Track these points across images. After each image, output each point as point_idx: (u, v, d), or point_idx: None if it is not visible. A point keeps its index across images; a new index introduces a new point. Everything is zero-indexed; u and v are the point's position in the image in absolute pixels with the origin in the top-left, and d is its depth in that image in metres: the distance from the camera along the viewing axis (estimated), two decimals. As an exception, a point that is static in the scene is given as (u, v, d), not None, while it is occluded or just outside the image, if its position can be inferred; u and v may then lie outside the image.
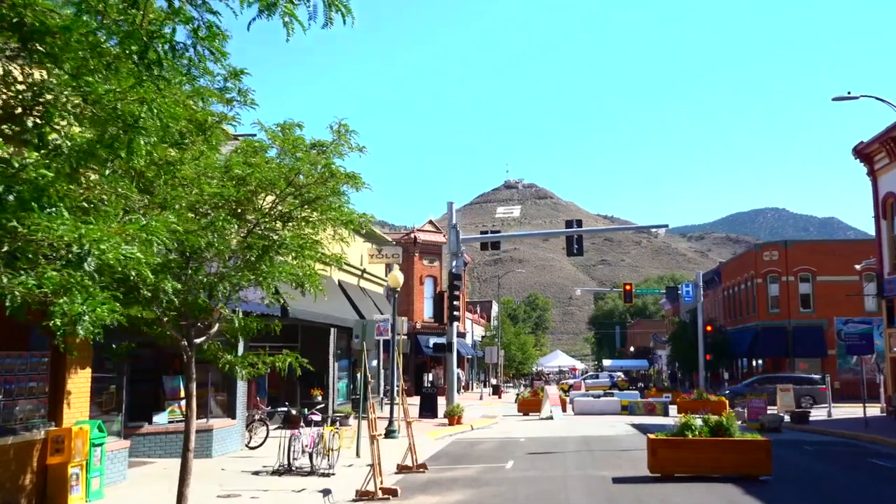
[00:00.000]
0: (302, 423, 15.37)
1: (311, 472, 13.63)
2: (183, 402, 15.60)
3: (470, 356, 62.57)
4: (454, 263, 30.08)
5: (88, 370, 11.33)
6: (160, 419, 15.10)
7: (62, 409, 10.76)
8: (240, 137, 10.93)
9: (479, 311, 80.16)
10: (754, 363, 52.32)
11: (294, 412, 18.99)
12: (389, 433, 20.65)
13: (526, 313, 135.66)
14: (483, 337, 71.03)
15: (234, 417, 16.94)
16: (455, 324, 28.99)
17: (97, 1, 5.36)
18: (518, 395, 39.84)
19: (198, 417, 15.82)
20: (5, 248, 5.24)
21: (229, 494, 11.56)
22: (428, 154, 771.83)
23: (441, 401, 29.28)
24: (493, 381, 60.63)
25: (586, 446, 19.69)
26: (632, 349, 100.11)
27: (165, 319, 8.57)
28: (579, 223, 32.79)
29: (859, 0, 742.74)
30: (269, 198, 9.67)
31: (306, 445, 14.08)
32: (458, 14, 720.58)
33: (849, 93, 22.16)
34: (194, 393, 9.23)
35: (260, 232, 9.22)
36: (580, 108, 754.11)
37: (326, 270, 15.65)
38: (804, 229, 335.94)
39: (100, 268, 5.35)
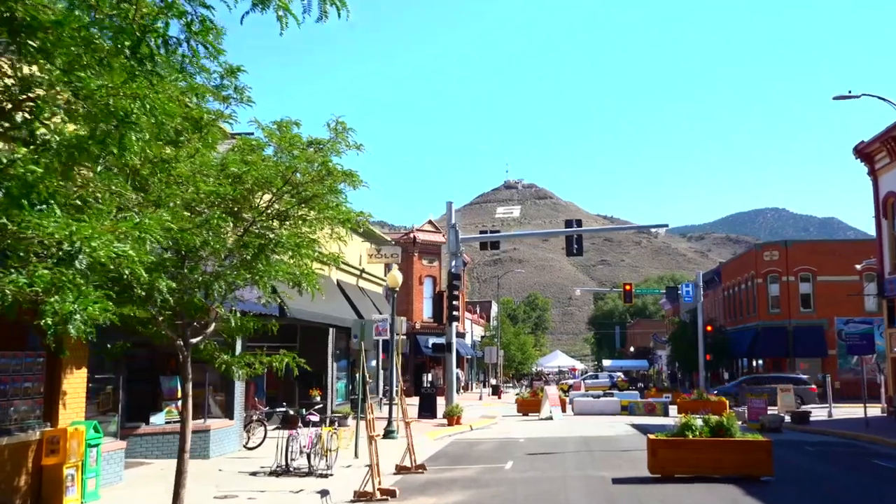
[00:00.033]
0: (300, 424, 15.28)
1: (309, 473, 13.54)
2: (180, 403, 15.55)
3: (469, 356, 62.49)
4: (453, 263, 29.99)
5: (84, 370, 11.24)
6: (157, 419, 15.01)
7: (58, 409, 10.68)
8: (237, 136, 10.86)
9: (478, 312, 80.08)
10: (754, 363, 52.24)
11: (292, 412, 18.90)
12: (388, 433, 20.57)
13: (525, 313, 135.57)
14: (483, 337, 70.95)
15: (231, 418, 16.84)
16: (454, 324, 28.89)
17: (89, -5, 5.28)
18: (518, 395, 39.75)
19: (195, 418, 15.80)
20: (-4, 246, 5.16)
21: (226, 495, 11.47)
22: (428, 154, 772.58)
23: (440, 401, 29.19)
24: (493, 382, 60.53)
25: (586, 447, 19.61)
26: (631, 349, 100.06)
27: (161, 319, 8.48)
28: (579, 223, 32.68)
29: (859, 0, 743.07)
30: (266, 196, 9.59)
31: (304, 446, 14.00)
32: (458, 14, 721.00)
33: (849, 92, 22.08)
34: (190, 393, 9.15)
35: (256, 231, 9.14)
36: (580, 108, 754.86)
37: (324, 270, 15.58)
38: (804, 229, 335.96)
39: (91, 266, 5.26)
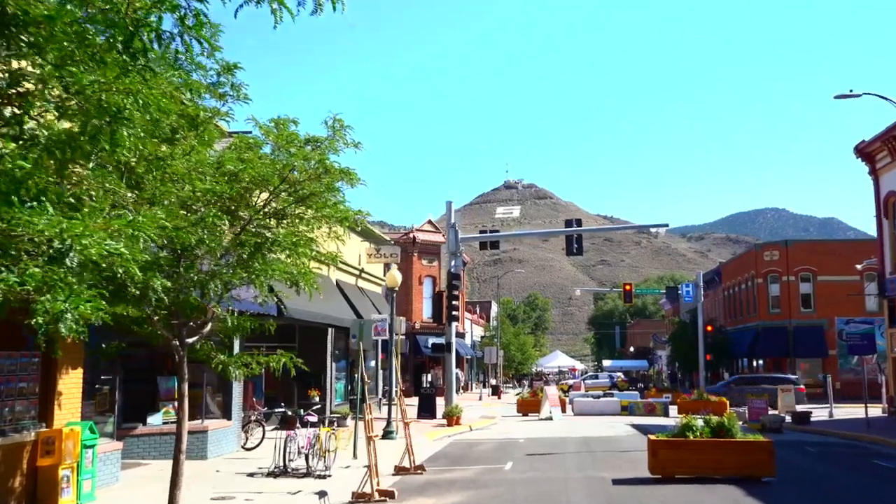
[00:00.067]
0: (298, 425, 15.19)
1: (307, 474, 13.45)
2: (186, 402, 15.43)
3: (469, 356, 62.40)
4: (453, 263, 29.89)
5: (80, 370, 11.14)
6: (154, 420, 14.91)
7: (53, 410, 10.59)
8: (235, 135, 10.77)
9: (478, 312, 80.00)
10: (755, 363, 52.15)
11: (290, 413, 18.80)
12: (387, 434, 20.47)
13: (525, 313, 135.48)
14: (482, 337, 70.87)
15: (229, 418, 16.75)
16: (454, 324, 28.80)
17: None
18: (518, 395, 39.66)
19: (193, 418, 15.73)
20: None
21: (223, 497, 11.38)
22: (428, 154, 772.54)
23: (440, 401, 29.10)
24: (493, 382, 60.44)
25: (586, 447, 19.52)
26: (631, 349, 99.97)
27: (156, 318, 8.38)
28: (579, 223, 32.58)
29: (859, 0, 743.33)
30: (263, 195, 9.49)
31: (302, 447, 13.91)
32: (458, 14, 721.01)
33: (851, 90, 22.00)
34: (186, 394, 9.05)
35: (253, 229, 9.04)
36: (580, 108, 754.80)
37: (321, 269, 15.47)
38: (804, 229, 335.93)
39: (83, 264, 5.16)
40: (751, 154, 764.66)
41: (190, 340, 9.16)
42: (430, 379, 45.30)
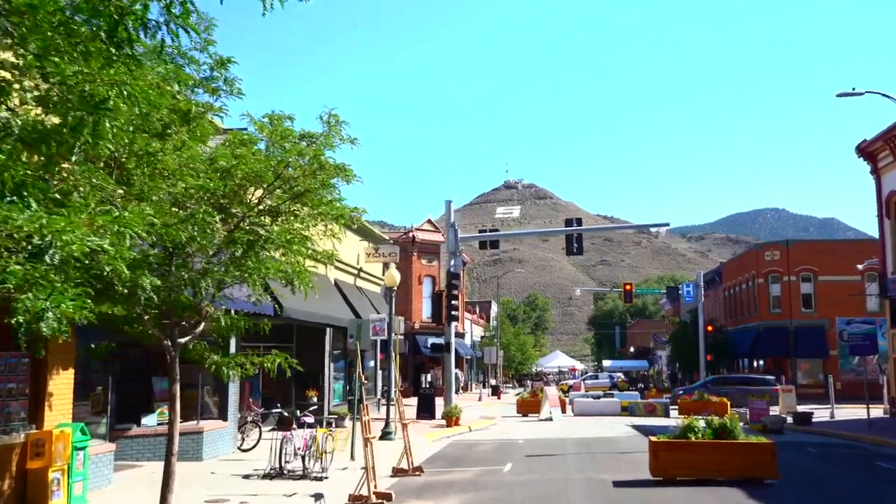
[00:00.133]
0: (294, 425, 15.00)
1: (304, 476, 13.25)
2: (178, 403, 15.23)
3: (469, 356, 62.19)
4: (452, 262, 29.71)
5: (71, 371, 10.95)
6: (149, 421, 14.71)
7: (43, 411, 10.39)
8: (230, 131, 10.58)
9: (478, 312, 79.80)
10: (755, 363, 51.96)
11: (286, 414, 18.61)
12: (385, 435, 20.28)
13: (525, 313, 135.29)
14: (482, 337, 70.68)
15: (225, 419, 16.55)
16: (453, 324, 28.60)
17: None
18: (517, 395, 39.46)
19: (188, 419, 15.56)
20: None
21: (217, 499, 11.18)
22: (428, 154, 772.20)
23: (439, 402, 28.90)
24: (493, 382, 60.25)
25: (586, 448, 19.34)
26: (632, 349, 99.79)
27: (146, 318, 8.19)
28: (579, 222, 32.38)
29: (859, 0, 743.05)
30: (258, 192, 9.31)
31: (299, 448, 13.72)
32: (458, 14, 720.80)
33: (853, 89, 21.83)
34: (178, 395, 8.85)
35: (246, 227, 8.85)
36: (580, 108, 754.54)
37: (317, 268, 15.27)
38: (804, 230, 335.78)
39: (65, 261, 4.96)
40: (751, 154, 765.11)
41: (182, 340, 8.97)
42: (429, 379, 45.08)
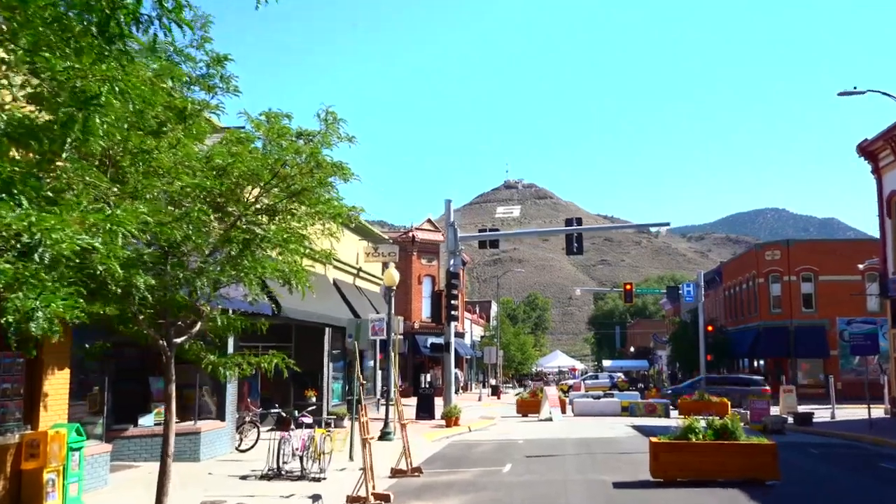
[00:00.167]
0: (292, 426, 14.90)
1: (302, 477, 13.17)
2: (173, 404, 15.12)
3: (469, 356, 62.10)
4: (452, 262, 29.61)
5: (66, 371, 10.85)
6: (146, 421, 14.62)
7: (38, 411, 10.29)
8: (228, 130, 10.49)
9: (478, 311, 79.71)
10: (756, 363, 51.87)
11: (284, 414, 18.52)
12: (384, 435, 20.18)
13: (525, 313, 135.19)
14: (482, 337, 70.58)
15: (223, 419, 16.45)
16: (453, 323, 28.49)
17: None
18: (517, 395, 39.37)
19: (186, 419, 15.46)
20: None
21: (213, 500, 11.08)
22: (428, 154, 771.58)
23: (438, 402, 28.79)
24: (492, 382, 60.15)
25: (586, 449, 19.25)
26: (632, 349, 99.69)
27: (141, 317, 8.09)
28: (579, 221, 32.29)
29: (859, 0, 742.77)
30: (255, 191, 9.22)
31: (297, 449, 13.63)
32: (458, 14, 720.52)
33: (855, 88, 21.75)
34: (173, 395, 8.76)
35: (243, 226, 8.75)
36: (580, 108, 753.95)
37: (314, 267, 15.17)
38: (804, 230, 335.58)
39: (55, 259, 4.87)
40: (751, 154, 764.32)
41: (178, 340, 8.88)
42: (429, 379, 45.01)
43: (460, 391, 49.82)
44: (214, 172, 8.41)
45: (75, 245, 4.84)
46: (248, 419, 17.96)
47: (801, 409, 29.01)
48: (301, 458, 13.49)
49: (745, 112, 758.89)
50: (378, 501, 11.32)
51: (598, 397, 37.72)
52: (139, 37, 5.48)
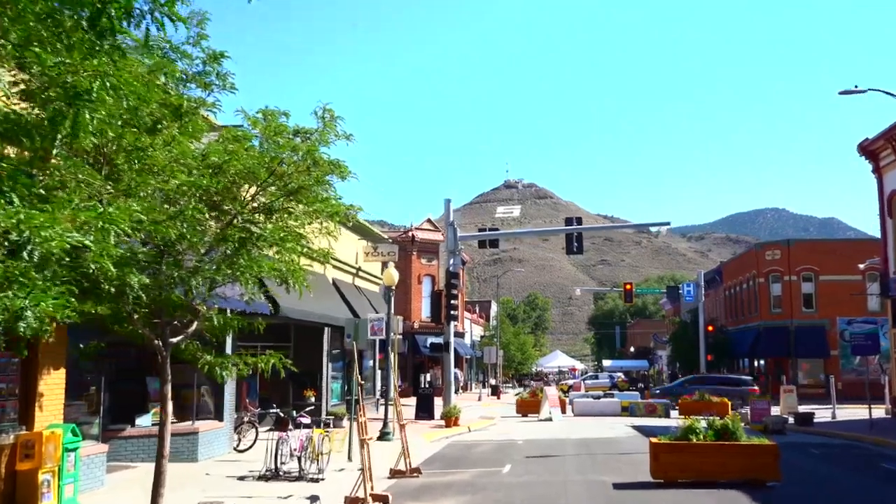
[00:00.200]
0: (290, 426, 14.82)
1: (300, 478, 13.08)
2: (169, 404, 15.04)
3: (469, 356, 62.01)
4: (451, 261, 29.52)
5: (62, 371, 10.76)
6: (143, 421, 14.53)
7: (33, 411, 10.21)
8: (225, 128, 10.40)
9: (478, 311, 79.61)
10: (756, 363, 51.79)
11: (282, 414, 18.43)
12: (384, 435, 20.09)
13: (525, 313, 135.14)
14: (482, 337, 70.49)
15: (221, 419, 16.36)
16: (453, 323, 28.40)
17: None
18: (517, 395, 39.30)
19: (184, 419, 15.38)
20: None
21: (211, 502, 11.00)
22: (427, 154, 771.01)
23: (438, 402, 28.70)
24: (492, 382, 60.07)
25: (586, 449, 19.16)
26: (632, 349, 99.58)
27: (136, 317, 8.00)
28: (579, 221, 32.21)
29: (859, 0, 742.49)
30: (252, 189, 9.14)
31: (295, 449, 13.54)
32: (458, 14, 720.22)
33: (856, 86, 21.66)
34: (169, 395, 8.68)
35: (239, 224, 8.66)
36: (580, 108, 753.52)
37: (312, 266, 15.07)
38: (804, 229, 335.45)
39: (44, 257, 4.78)
40: (751, 154, 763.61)
41: (174, 340, 8.80)
42: (428, 379, 44.93)
43: (460, 391, 49.72)
44: (210, 170, 8.32)
45: (65, 243, 4.76)
46: (246, 419, 17.87)
47: (802, 409, 28.93)
48: (299, 459, 13.40)
49: (745, 112, 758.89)
50: (376, 502, 11.23)
51: (598, 397, 37.64)
52: (133, 32, 5.41)
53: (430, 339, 45.84)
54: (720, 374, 42.31)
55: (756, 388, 36.83)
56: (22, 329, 4.85)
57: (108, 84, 5.08)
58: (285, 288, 9.49)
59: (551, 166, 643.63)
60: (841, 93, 21.99)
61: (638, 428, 25.21)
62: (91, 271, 6.04)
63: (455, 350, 32.74)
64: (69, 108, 4.88)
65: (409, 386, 44.83)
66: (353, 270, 29.22)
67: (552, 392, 32.78)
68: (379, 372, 30.66)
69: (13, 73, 5.05)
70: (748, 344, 49.82)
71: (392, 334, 21.85)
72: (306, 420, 15.76)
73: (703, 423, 13.96)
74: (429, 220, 51.71)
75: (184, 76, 8.49)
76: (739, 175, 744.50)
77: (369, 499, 11.13)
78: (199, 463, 14.89)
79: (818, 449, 20.05)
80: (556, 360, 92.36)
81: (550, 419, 29.27)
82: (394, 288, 22.53)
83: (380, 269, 31.66)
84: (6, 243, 4.64)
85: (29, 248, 4.58)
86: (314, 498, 11.57)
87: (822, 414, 29.07)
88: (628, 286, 54.42)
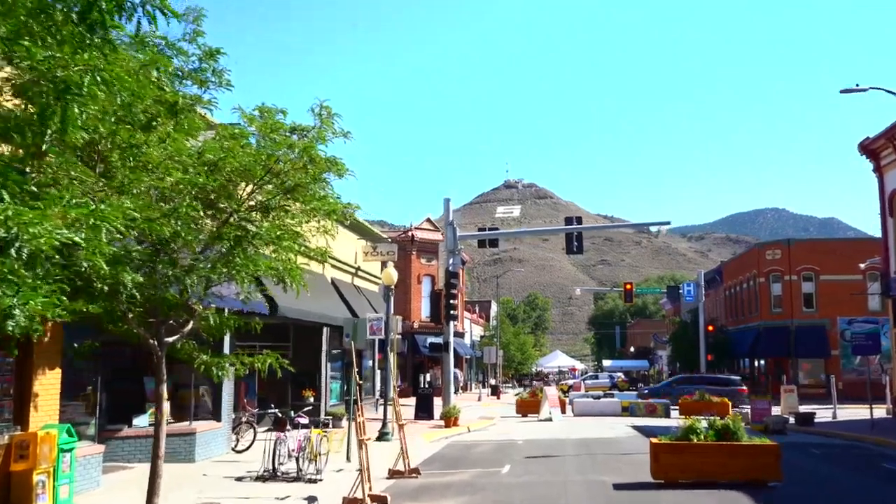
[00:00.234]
0: (288, 426, 14.73)
1: (297, 478, 12.99)
2: (166, 405, 14.95)
3: (468, 356, 61.93)
4: (451, 261, 29.42)
5: (58, 371, 10.67)
6: (140, 421, 14.44)
7: (28, 412, 10.12)
8: (222, 126, 10.32)
9: (478, 311, 79.53)
10: (756, 363, 51.70)
11: (280, 414, 18.34)
12: (382, 436, 20.00)
13: (525, 313, 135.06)
14: (482, 337, 70.41)
15: (219, 420, 16.27)
16: (452, 323, 28.31)
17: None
18: (517, 395, 39.21)
19: (181, 419, 15.30)
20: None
21: (207, 503, 10.91)
22: (428, 154, 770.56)
23: (438, 402, 28.61)
24: (492, 382, 59.99)
25: (586, 449, 19.07)
26: (632, 349, 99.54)
27: (130, 316, 7.90)
28: (579, 220, 32.11)
29: (859, 0, 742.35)
30: (249, 187, 9.05)
31: (293, 450, 13.45)
32: (458, 14, 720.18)
33: (857, 85, 21.58)
34: (164, 395, 8.60)
35: (235, 222, 8.57)
36: (580, 108, 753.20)
37: (309, 265, 14.96)
38: (804, 229, 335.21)
39: (33, 255, 4.68)
40: (751, 154, 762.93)
41: (170, 340, 8.71)
42: (428, 379, 44.84)
43: (460, 391, 49.64)
44: (206, 168, 8.23)
45: (54, 240, 4.66)
46: (244, 419, 17.78)
47: (803, 409, 28.83)
48: (297, 460, 13.31)
49: (745, 112, 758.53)
50: (374, 503, 11.14)
51: (598, 397, 37.57)
52: (125, 26, 5.32)
53: (430, 339, 45.76)
54: (709, 374, 42.33)
55: (745, 388, 36.77)
56: (11, 328, 4.76)
57: (99, 79, 4.99)
58: (282, 287, 9.40)
59: (551, 166, 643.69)
60: (842, 91, 21.90)
61: (638, 428, 25.12)
62: (83, 269, 5.95)
63: (455, 350, 32.66)
64: (58, 102, 4.79)
65: (408, 386, 44.74)
66: (353, 270, 29.13)
67: (552, 392, 32.69)
68: (378, 372, 30.56)
69: (4, 70, 4.96)
70: (748, 344, 49.74)
71: (391, 334, 21.76)
72: (304, 420, 15.67)
73: (704, 424, 13.86)
74: (428, 220, 51.62)
75: (179, 73, 8.41)
76: (739, 175, 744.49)
77: (367, 499, 11.04)
78: (196, 463, 14.80)
79: (819, 449, 19.97)
80: (556, 360, 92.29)
81: (550, 419, 29.18)
82: (393, 287, 22.45)
83: (379, 268, 31.56)
84: (-7, 240, 4.55)
85: (17, 245, 4.49)
86: (311, 499, 11.48)
87: (822, 414, 28.98)
88: (628, 286, 54.36)
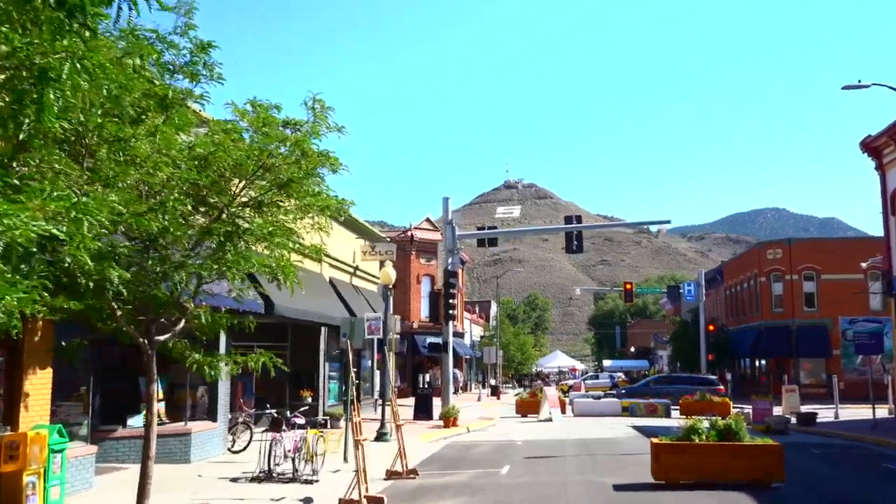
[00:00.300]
0: (285, 427, 14.56)
1: (293, 479, 12.81)
2: (161, 405, 14.78)
3: (468, 356, 61.77)
4: (450, 261, 29.25)
5: (49, 370, 10.50)
6: (135, 422, 14.26)
7: (18, 412, 9.95)
8: (213, 120, 10.15)
9: (477, 311, 79.38)
10: (757, 363, 51.52)
11: (277, 414, 18.17)
12: (381, 436, 19.84)
13: (525, 313, 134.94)
14: (482, 337, 70.26)
15: (215, 420, 16.10)
16: (451, 323, 28.14)
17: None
18: (517, 395, 39.04)
19: (177, 420, 15.13)
20: None
21: (201, 504, 10.75)
22: (427, 154, 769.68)
23: (437, 402, 28.44)
24: (492, 382, 59.82)
25: (586, 450, 18.90)
26: (632, 349, 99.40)
27: (119, 314, 7.72)
28: (579, 219, 31.93)
29: (859, 0, 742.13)
30: (241, 183, 8.88)
31: (289, 450, 13.28)
32: (458, 14, 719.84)
33: (859, 81, 21.44)
34: (155, 395, 8.44)
35: (227, 219, 8.39)
36: (580, 108, 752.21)
37: (303, 262, 14.80)
38: (804, 229, 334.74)
39: (8, 248, 4.51)
40: (751, 154, 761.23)
41: (161, 338, 8.54)
42: (427, 379, 44.65)
43: (459, 391, 49.48)
44: (197, 163, 8.06)
45: (30, 232, 4.48)
46: (241, 420, 17.61)
47: (804, 409, 28.65)
48: (293, 460, 13.15)
49: (745, 112, 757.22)
50: (371, 505, 10.96)
51: (599, 397, 37.40)
52: (106, 11, 5.14)
53: (429, 339, 45.60)
54: (685, 374, 42.23)
55: (722, 387, 36.62)
56: (-16, 324, 4.59)
57: (80, 66, 4.81)
58: (276, 284, 9.22)
59: (551, 166, 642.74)
60: (844, 87, 21.76)
61: (638, 428, 24.95)
62: (67, 265, 5.77)
63: (454, 350, 32.48)
64: (33, 88, 4.61)
65: (407, 386, 44.57)
66: (351, 270, 28.95)
67: (552, 392, 32.52)
68: (377, 372, 30.39)
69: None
70: (749, 343, 49.57)
71: (390, 334, 21.60)
72: (300, 420, 15.49)
73: (706, 424, 13.69)
74: (428, 220, 51.46)
75: (171, 67, 8.24)
76: (739, 175, 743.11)
77: (364, 500, 10.86)
78: (191, 464, 14.63)
79: (820, 449, 19.82)
80: (556, 361, 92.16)
81: (550, 419, 29.01)
82: (391, 287, 22.28)
83: (377, 268, 31.38)
84: (-34, 233, 4.38)
85: (-10, 236, 4.32)
86: (307, 500, 11.31)
87: (824, 414, 28.79)
88: (628, 286, 54.20)
